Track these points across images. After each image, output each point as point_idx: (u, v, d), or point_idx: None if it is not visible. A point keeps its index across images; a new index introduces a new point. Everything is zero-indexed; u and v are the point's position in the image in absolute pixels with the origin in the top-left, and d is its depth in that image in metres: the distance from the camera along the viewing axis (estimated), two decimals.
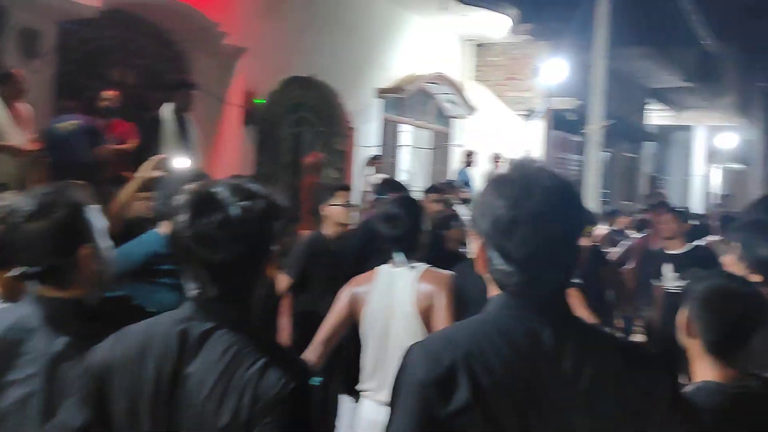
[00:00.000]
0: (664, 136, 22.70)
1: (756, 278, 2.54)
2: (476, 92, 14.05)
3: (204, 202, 1.55)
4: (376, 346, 3.14)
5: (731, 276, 2.15)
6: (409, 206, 3.23)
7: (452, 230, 5.94)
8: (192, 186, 1.65)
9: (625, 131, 16.63)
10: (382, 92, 11.73)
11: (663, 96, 20.42)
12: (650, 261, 5.75)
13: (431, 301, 3.06)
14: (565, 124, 14.87)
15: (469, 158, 12.23)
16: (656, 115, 20.66)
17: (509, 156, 12.92)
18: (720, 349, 1.96)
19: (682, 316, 2.04)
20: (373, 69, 11.53)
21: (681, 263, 5.31)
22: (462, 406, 1.36)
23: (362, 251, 4.76)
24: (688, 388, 1.94)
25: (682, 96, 21.15)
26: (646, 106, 19.43)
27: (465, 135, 13.91)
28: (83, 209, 1.93)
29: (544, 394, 1.38)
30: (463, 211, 10.56)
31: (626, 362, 1.44)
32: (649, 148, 20.77)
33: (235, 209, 1.54)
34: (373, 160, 11.29)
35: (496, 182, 1.48)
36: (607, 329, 1.76)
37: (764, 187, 25.11)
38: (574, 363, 1.40)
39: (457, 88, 13.25)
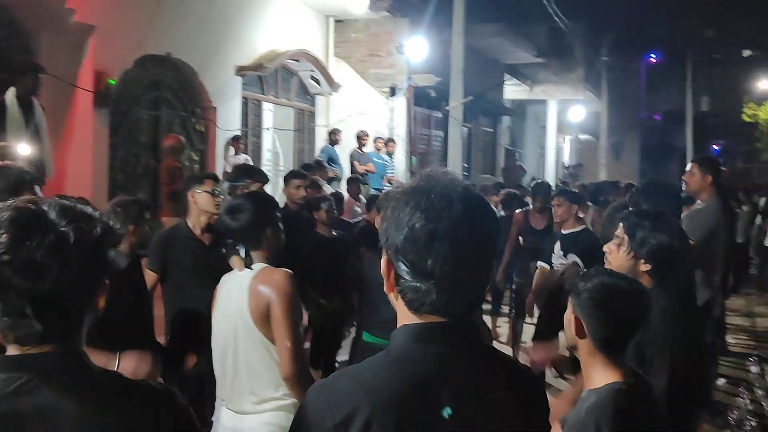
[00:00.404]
0: (519, 110, 23.50)
1: (644, 267, 2.60)
2: (339, 69, 13.94)
3: (28, 222, 1.30)
4: (222, 354, 3.01)
5: (615, 274, 2.18)
6: (256, 200, 3.10)
7: (321, 211, 5.87)
8: (12, 202, 1.37)
9: (484, 107, 17.08)
10: (243, 70, 11.37)
11: (517, 71, 21.12)
12: (540, 242, 5.97)
13: (267, 306, 2.87)
14: (426, 101, 15.05)
15: (334, 136, 12.14)
16: (512, 90, 21.34)
17: (375, 134, 12.95)
18: (610, 347, 1.99)
19: (570, 316, 2.04)
20: (232, 46, 11.14)
21: (568, 243, 5.55)
22: None
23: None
24: (592, 393, 1.95)
25: (535, 71, 21.98)
26: (502, 82, 20.01)
27: (329, 112, 13.79)
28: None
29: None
30: (331, 190, 10.51)
31: (516, 385, 1.40)
32: (505, 122, 21.44)
33: (65, 232, 1.32)
34: (235, 141, 10.97)
35: (410, 194, 1.35)
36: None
37: (609, 156, 26.65)
38: (478, 393, 1.33)
39: (319, 65, 13.07)
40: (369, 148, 12.64)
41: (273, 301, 2.85)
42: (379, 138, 13.01)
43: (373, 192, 11.38)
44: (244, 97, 11.62)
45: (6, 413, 1.26)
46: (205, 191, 4.32)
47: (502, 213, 8.48)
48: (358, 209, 9.33)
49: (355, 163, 12.04)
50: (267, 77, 12.16)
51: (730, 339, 8.64)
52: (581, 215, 8.11)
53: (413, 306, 1.35)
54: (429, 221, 1.30)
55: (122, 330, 3.42)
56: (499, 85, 19.57)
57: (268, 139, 12.51)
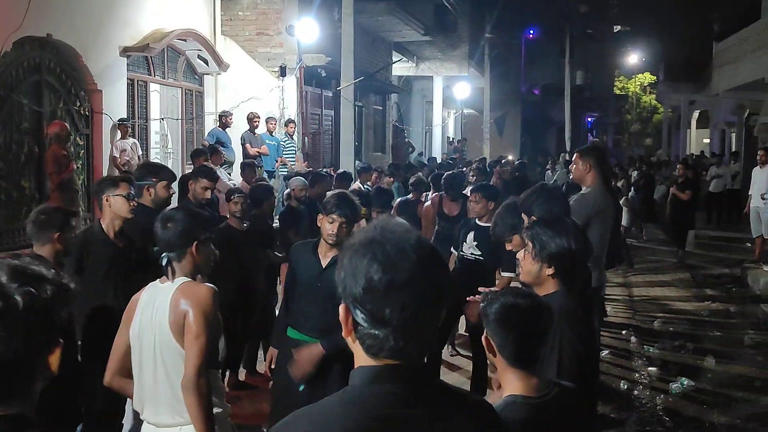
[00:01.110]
0: (406, 86, 23.81)
1: (548, 271, 2.78)
2: (226, 48, 13.70)
3: None
4: (139, 366, 3.02)
5: (518, 292, 2.36)
6: (187, 214, 3.12)
7: (232, 203, 5.85)
8: None
9: (373, 85, 17.22)
10: (128, 50, 10.99)
11: (404, 49, 21.37)
12: (454, 229, 6.09)
13: (184, 320, 2.92)
14: (317, 80, 15.03)
15: (224, 119, 11.92)
16: (398, 67, 21.57)
17: (266, 114, 12.83)
18: (519, 361, 2.17)
19: (484, 337, 2.21)
20: (116, 26, 10.74)
21: (483, 235, 5.70)
22: None
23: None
24: (496, 404, 2.10)
25: (421, 48, 22.30)
26: (390, 60, 20.19)
27: (218, 92, 13.57)
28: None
29: None
30: (225, 175, 10.38)
31: (472, 418, 1.49)
32: (393, 99, 21.68)
33: (14, 299, 1.30)
34: (122, 125, 10.63)
35: (366, 245, 1.41)
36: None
37: (493, 130, 27.43)
38: (434, 429, 1.41)
39: (206, 44, 12.80)
40: (261, 129, 12.51)
41: (190, 314, 2.90)
42: (271, 118, 12.88)
43: (264, 175, 11.32)
44: (129, 79, 11.26)
45: None
46: (120, 195, 4.25)
47: (409, 196, 8.62)
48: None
49: (247, 146, 11.89)
50: (153, 57, 11.81)
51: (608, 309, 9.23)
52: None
53: (371, 351, 1.41)
54: (386, 272, 1.36)
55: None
56: (388, 63, 19.75)
57: (155, 122, 12.18)
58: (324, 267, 4.04)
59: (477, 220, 5.96)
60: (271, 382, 4.59)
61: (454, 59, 23.68)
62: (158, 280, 3.06)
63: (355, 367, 1.46)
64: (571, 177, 5.91)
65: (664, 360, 7.48)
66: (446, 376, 6.45)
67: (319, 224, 4.07)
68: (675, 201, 13.56)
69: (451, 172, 8.52)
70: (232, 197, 5.76)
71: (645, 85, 51.76)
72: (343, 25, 13.26)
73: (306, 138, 14.00)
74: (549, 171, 18.27)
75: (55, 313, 1.39)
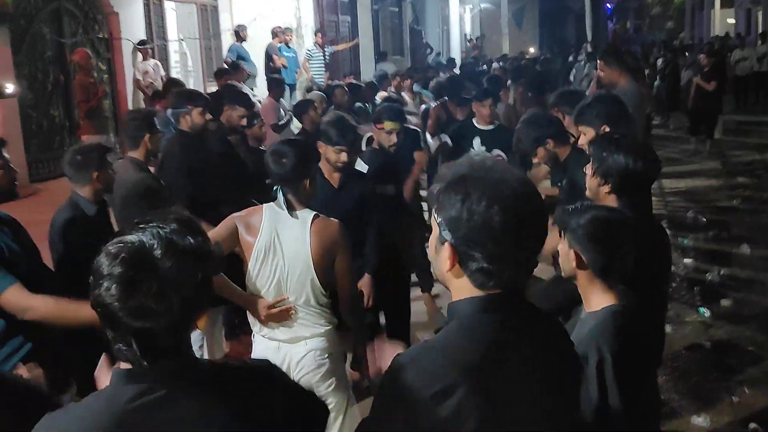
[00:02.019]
0: None
1: (605, 189, 2.76)
2: None
3: (135, 275, 1.39)
4: (267, 287, 3.18)
5: (602, 207, 2.40)
6: (299, 150, 3.22)
7: (255, 128, 5.85)
8: (116, 243, 1.43)
9: None
10: None
11: None
12: (461, 134, 6.07)
13: (328, 253, 3.15)
14: None
15: (242, 33, 11.75)
16: None
17: (288, 26, 12.61)
18: (607, 273, 2.23)
19: (568, 251, 2.26)
20: None
21: (488, 138, 5.74)
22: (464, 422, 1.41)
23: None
24: (591, 317, 2.19)
25: None
26: None
27: (233, 7, 13.33)
28: None
29: (536, 393, 1.50)
30: (249, 91, 10.30)
31: (557, 335, 1.64)
32: (408, 0, 21.16)
33: (170, 277, 1.40)
34: (141, 47, 10.56)
35: (476, 186, 1.46)
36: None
37: (511, 25, 26.77)
38: (536, 350, 1.53)
39: None
40: (276, 41, 12.32)
41: (338, 250, 3.18)
42: (288, 29, 12.69)
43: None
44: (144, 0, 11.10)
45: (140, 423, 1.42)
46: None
47: (432, 103, 8.49)
48: (282, 111, 9.21)
49: (274, 57, 11.75)
50: None
51: None
52: (502, 98, 8.34)
53: (482, 285, 1.49)
54: (506, 214, 1.43)
55: None
56: None
57: (174, 41, 12.07)
58: (337, 188, 4.14)
59: (477, 125, 5.98)
60: None
61: None
62: (274, 204, 3.19)
63: (457, 297, 1.54)
64: (603, 83, 5.92)
65: (698, 250, 7.55)
66: None
67: (320, 150, 4.07)
68: (700, 90, 13.19)
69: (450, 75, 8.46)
70: (255, 122, 5.72)
71: None
72: None
73: (333, 47, 13.70)
74: (582, 62, 17.81)
75: (205, 286, 1.48)
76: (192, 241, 1.47)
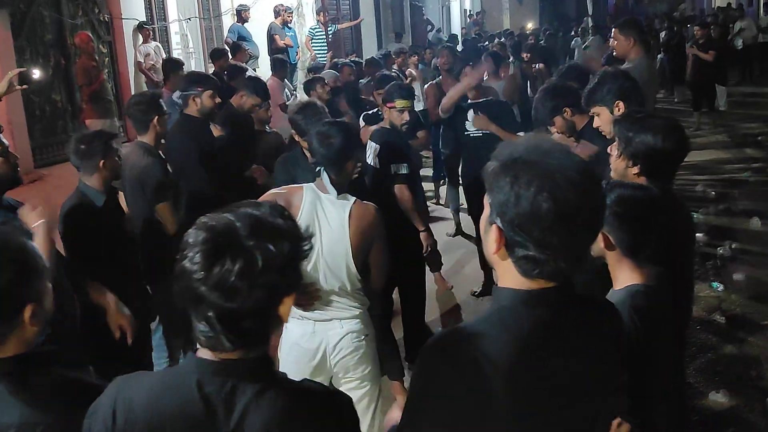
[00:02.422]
0: None
1: (634, 170, 2.68)
2: None
3: (220, 243, 1.37)
4: (312, 267, 3.14)
5: (627, 185, 2.31)
6: (345, 132, 3.23)
7: (261, 111, 5.77)
8: (206, 218, 1.43)
9: None
10: None
11: None
12: (457, 113, 5.99)
13: (367, 237, 3.11)
14: None
15: (244, 14, 11.62)
16: None
17: (287, 5, 12.47)
18: (636, 253, 2.18)
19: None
20: None
21: (481, 110, 5.76)
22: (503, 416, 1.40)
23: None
24: (620, 295, 2.14)
25: None
26: None
27: None
28: (29, 257, 1.68)
29: (581, 382, 1.48)
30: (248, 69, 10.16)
31: (607, 329, 1.60)
32: None
33: (255, 256, 1.36)
34: (142, 29, 10.45)
35: (528, 170, 1.41)
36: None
37: (515, 0, 26.51)
38: (581, 350, 1.50)
39: None
40: (279, 20, 12.19)
41: (375, 237, 3.13)
42: (289, 9, 12.54)
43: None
44: None
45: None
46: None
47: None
48: (288, 92, 9.15)
49: (276, 37, 11.62)
50: None
51: None
52: (502, 74, 8.24)
53: (528, 273, 1.45)
54: (556, 202, 1.37)
55: (109, 272, 3.44)
56: None
57: (174, 23, 11.93)
58: None
59: (471, 99, 5.93)
60: None
61: None
62: (314, 185, 3.18)
63: (502, 283, 1.51)
64: (614, 53, 5.80)
65: (709, 224, 7.50)
66: None
67: (386, 115, 4.22)
68: (698, 62, 12.87)
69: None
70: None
71: None
72: None
73: (336, 26, 13.55)
74: (579, 38, 17.66)
75: (291, 269, 1.43)
76: (281, 222, 1.44)
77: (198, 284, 1.36)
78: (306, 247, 1.47)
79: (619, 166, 2.72)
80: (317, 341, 3.16)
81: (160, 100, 4.37)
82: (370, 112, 6.24)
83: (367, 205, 3.16)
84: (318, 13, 12.60)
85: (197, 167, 4.63)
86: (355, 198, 3.15)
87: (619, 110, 3.43)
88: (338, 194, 3.13)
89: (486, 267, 6.06)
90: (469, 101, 5.95)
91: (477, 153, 5.73)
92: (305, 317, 3.17)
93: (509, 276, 1.48)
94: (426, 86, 7.89)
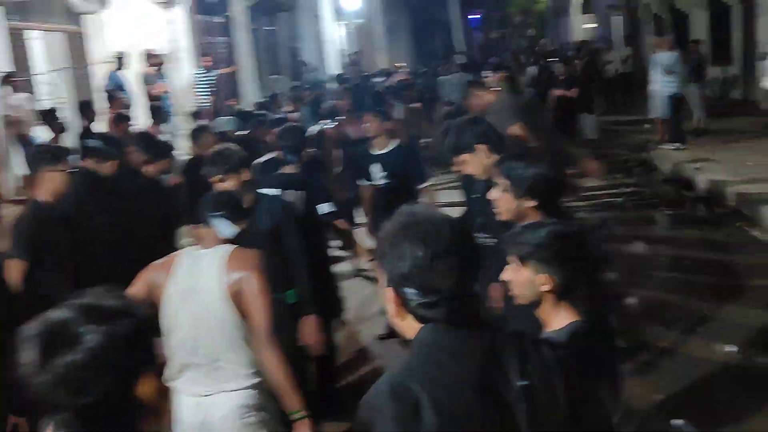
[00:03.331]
0: (293, 2, 23.03)
1: (530, 203, 2.75)
2: None
3: (55, 337, 1.29)
4: (184, 335, 2.94)
5: (553, 223, 2.32)
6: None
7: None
8: (38, 320, 1.33)
9: (263, 5, 16.56)
10: None
11: None
12: (358, 161, 5.97)
13: (241, 285, 2.91)
14: (204, 7, 14.31)
15: (121, 61, 11.21)
16: None
17: (161, 51, 12.18)
18: (572, 289, 2.17)
19: (530, 275, 2.17)
20: None
21: (387, 162, 5.69)
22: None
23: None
24: (560, 332, 2.11)
25: None
26: None
27: (104, 33, 12.73)
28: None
29: (498, 406, 1.55)
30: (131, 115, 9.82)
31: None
32: (282, 17, 20.97)
33: (93, 341, 1.28)
34: (8, 79, 9.89)
35: (403, 229, 1.61)
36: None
37: (386, 39, 27.08)
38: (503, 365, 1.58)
39: None
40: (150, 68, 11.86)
41: (248, 279, 2.91)
42: (161, 55, 12.23)
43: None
44: (9, 29, 10.39)
45: None
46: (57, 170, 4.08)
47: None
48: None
49: (151, 86, 11.31)
50: (28, 3, 10.92)
51: None
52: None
53: (425, 319, 1.60)
54: (428, 246, 1.57)
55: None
56: None
57: (41, 72, 11.39)
58: None
59: (374, 150, 5.87)
60: None
61: None
62: (191, 246, 3.09)
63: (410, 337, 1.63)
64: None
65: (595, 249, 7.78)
66: None
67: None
68: (561, 101, 13.25)
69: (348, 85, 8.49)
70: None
71: None
72: None
73: (219, 71, 13.32)
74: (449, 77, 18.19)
75: (138, 347, 1.35)
76: (114, 303, 1.37)
77: (39, 383, 1.27)
78: (151, 322, 1.42)
79: (510, 204, 2.76)
80: (201, 415, 2.92)
81: (53, 152, 4.13)
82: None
83: (244, 250, 3.03)
84: (201, 58, 12.37)
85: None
86: (234, 246, 3.01)
87: (482, 153, 3.56)
88: (216, 247, 2.99)
89: None
90: (374, 152, 5.89)
91: (382, 202, 5.69)
92: (189, 392, 2.95)
93: (413, 329, 1.62)
94: (328, 128, 7.81)
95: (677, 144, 11.89)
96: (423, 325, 1.60)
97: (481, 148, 3.59)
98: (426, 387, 1.52)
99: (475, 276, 1.65)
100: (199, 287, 2.92)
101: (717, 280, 6.66)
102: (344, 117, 7.57)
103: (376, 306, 6.24)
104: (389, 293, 1.62)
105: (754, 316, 5.80)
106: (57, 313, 1.32)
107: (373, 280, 7.00)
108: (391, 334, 5.98)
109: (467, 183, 4.19)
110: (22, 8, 10.94)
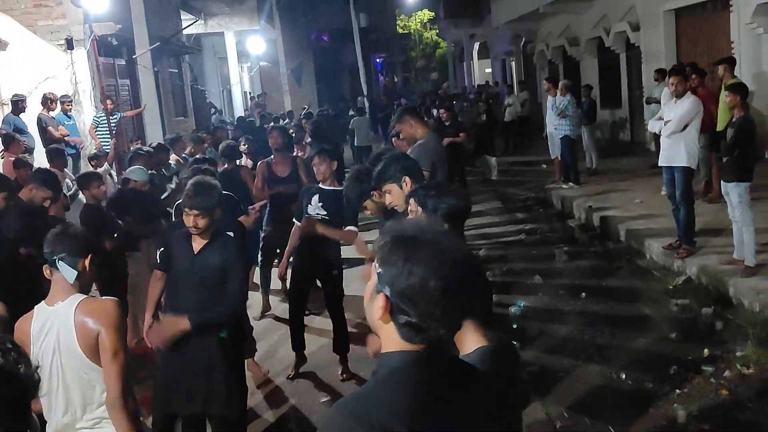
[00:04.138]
0: (197, 46, 23.05)
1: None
2: (2, 24, 12.51)
3: None
4: (54, 395, 2.90)
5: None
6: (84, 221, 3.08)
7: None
8: None
9: (165, 48, 16.53)
10: None
11: (190, 6, 20.63)
12: (302, 194, 6.12)
13: (96, 337, 2.83)
14: (107, 49, 14.18)
15: (20, 104, 10.92)
16: (185, 25, 20.81)
17: (65, 93, 11.97)
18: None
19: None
20: None
21: (328, 198, 5.91)
22: None
23: None
24: (473, 355, 2.26)
25: (207, 4, 21.63)
26: (179, 20, 19.43)
27: (3, 76, 12.42)
28: None
29: None
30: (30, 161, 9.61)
31: (485, 389, 1.74)
32: (187, 59, 20.95)
33: None
34: None
35: (417, 248, 1.58)
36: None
37: (291, 82, 27.31)
38: (464, 404, 1.64)
39: None
40: (56, 110, 11.65)
41: (102, 332, 2.82)
42: (65, 97, 12.01)
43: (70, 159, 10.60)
44: None
45: None
46: None
47: (225, 167, 8.32)
48: (69, 182, 8.71)
49: (50, 129, 11.07)
50: None
51: None
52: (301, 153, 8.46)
53: (409, 338, 1.60)
54: (443, 280, 1.55)
55: None
56: (177, 24, 19.00)
57: None
58: (196, 252, 4.09)
59: (321, 184, 6.07)
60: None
61: (243, 13, 23.24)
62: (44, 302, 2.91)
63: (386, 348, 1.64)
64: (402, 137, 6.42)
65: (496, 285, 8.09)
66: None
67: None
68: (452, 147, 13.39)
69: (275, 126, 8.61)
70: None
71: (425, 21, 53.53)
72: None
73: (121, 114, 13.19)
74: (355, 118, 18.57)
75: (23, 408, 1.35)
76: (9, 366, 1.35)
77: None
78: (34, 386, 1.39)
79: None
80: None
81: None
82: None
83: (96, 300, 2.98)
84: (102, 102, 12.20)
85: None
86: (83, 296, 2.92)
87: (407, 185, 3.79)
88: (65, 300, 2.89)
89: (299, 349, 6.09)
90: (321, 186, 6.04)
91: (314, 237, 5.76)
92: None
93: (392, 341, 1.63)
94: (259, 164, 7.85)
95: (571, 183, 12.53)
96: (404, 342, 1.60)
97: (407, 181, 3.79)
98: (401, 425, 1.51)
99: (472, 311, 1.70)
100: (60, 344, 2.84)
101: (609, 307, 7.06)
102: (273, 156, 7.66)
103: (287, 347, 6.30)
104: (381, 299, 1.60)
105: (642, 340, 6.20)
106: None
107: (283, 321, 7.05)
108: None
109: (387, 216, 4.37)
110: None
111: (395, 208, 3.89)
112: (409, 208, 3.11)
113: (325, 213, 5.84)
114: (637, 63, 16.75)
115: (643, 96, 15.06)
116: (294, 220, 6.10)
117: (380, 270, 1.62)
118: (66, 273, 2.87)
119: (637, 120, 17.39)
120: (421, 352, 1.60)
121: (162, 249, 4.30)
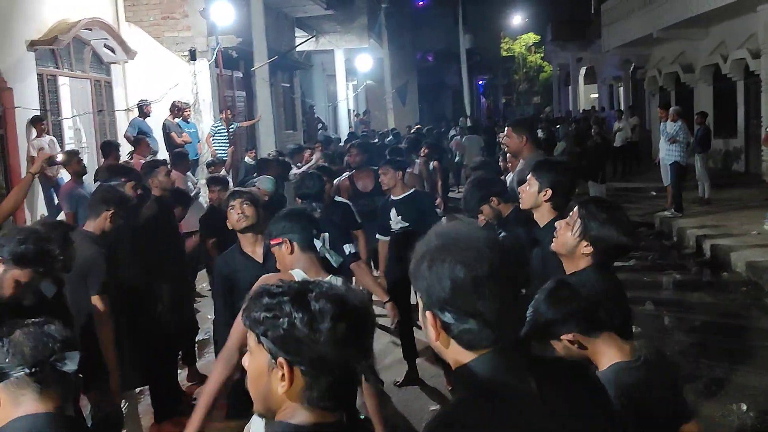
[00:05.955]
0: (308, 62, 23.65)
1: (586, 250, 2.83)
2: (132, 35, 13.25)
3: None
4: None
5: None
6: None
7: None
8: None
9: (281, 62, 17.05)
10: (35, 44, 10.51)
11: (304, 23, 21.23)
12: (376, 211, 6.20)
13: None
14: (227, 62, 14.76)
15: (145, 108, 11.54)
16: (299, 42, 21.42)
17: (186, 101, 12.55)
18: (621, 330, 2.32)
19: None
20: (20, 19, 10.25)
21: (403, 207, 5.96)
22: None
23: None
24: (608, 372, 2.22)
25: (320, 22, 22.20)
26: (294, 36, 20.03)
27: (127, 81, 13.15)
28: None
29: None
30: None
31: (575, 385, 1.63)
32: (298, 75, 21.54)
33: None
34: (36, 122, 10.20)
35: (442, 250, 1.53)
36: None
37: (396, 100, 27.64)
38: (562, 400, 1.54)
39: (113, 32, 12.38)
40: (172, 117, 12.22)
41: None
42: (186, 105, 12.60)
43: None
44: (38, 74, 10.77)
45: None
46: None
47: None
48: (191, 184, 9.10)
49: (173, 134, 11.62)
50: (60, 50, 11.32)
51: None
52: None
53: (471, 345, 1.52)
54: (469, 269, 1.49)
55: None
56: (291, 40, 19.59)
57: (68, 116, 11.72)
58: (263, 262, 4.04)
59: (392, 197, 6.09)
60: None
61: (354, 31, 23.71)
62: None
63: (456, 366, 1.57)
64: (506, 149, 6.19)
65: None
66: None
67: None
68: None
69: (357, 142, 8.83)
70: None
71: (530, 45, 53.12)
72: (253, 3, 13.09)
73: (238, 124, 13.73)
74: (459, 137, 18.59)
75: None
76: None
77: None
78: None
79: (570, 241, 2.81)
80: None
81: (123, 197, 4.34)
82: None
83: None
84: (221, 111, 12.72)
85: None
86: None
87: (545, 196, 3.69)
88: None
89: (410, 357, 6.14)
90: (392, 198, 6.11)
91: (405, 244, 5.83)
92: None
93: (458, 353, 1.55)
94: (341, 181, 8.01)
95: (673, 210, 12.19)
96: (470, 352, 1.53)
97: (547, 192, 3.60)
98: None
99: (517, 299, 1.58)
100: None
101: (728, 342, 6.80)
102: (353, 171, 7.74)
103: (396, 354, 6.36)
104: (429, 317, 1.55)
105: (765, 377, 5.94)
106: None
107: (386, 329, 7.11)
108: (408, 380, 6.10)
109: (502, 223, 4.45)
110: (56, 55, 11.33)
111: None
112: (569, 217, 2.92)
113: (407, 224, 5.89)
114: (756, 92, 16.11)
115: (762, 126, 14.48)
116: (378, 235, 6.15)
117: (417, 292, 1.56)
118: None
119: (753, 150, 16.72)
120: (489, 354, 1.52)
121: None
